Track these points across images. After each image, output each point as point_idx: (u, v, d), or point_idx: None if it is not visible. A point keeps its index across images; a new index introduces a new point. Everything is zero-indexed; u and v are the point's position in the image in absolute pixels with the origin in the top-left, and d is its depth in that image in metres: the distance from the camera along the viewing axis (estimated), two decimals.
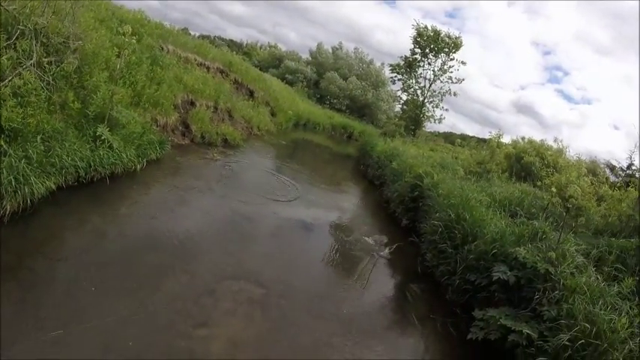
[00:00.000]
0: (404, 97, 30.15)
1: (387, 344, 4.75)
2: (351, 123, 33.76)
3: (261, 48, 52.48)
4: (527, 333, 4.20)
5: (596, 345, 3.75)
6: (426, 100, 28.27)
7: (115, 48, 7.51)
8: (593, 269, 4.83)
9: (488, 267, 5.36)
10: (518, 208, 7.06)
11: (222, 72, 15.79)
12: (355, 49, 46.20)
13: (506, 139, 13.54)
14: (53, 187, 5.12)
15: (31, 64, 5.39)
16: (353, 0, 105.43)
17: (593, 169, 11.60)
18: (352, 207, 10.96)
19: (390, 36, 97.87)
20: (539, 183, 8.45)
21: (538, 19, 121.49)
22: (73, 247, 4.54)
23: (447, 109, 29.50)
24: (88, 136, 6.15)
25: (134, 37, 7.38)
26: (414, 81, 28.63)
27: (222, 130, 11.99)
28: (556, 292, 4.44)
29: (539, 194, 7.93)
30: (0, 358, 2.83)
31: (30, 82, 5.09)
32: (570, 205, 5.38)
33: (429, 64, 27.87)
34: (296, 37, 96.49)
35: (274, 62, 44.16)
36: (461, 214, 6.46)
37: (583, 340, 3.80)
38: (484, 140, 16.45)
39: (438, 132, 33.00)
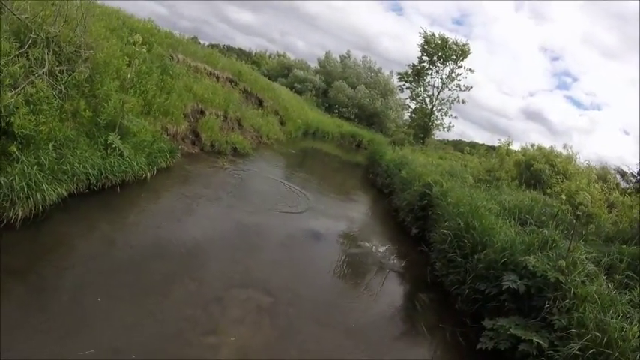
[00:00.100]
0: (412, 105, 30.33)
1: (395, 354, 4.69)
2: (360, 132, 33.74)
3: (269, 57, 52.84)
4: (538, 342, 4.15)
5: (607, 354, 3.70)
6: (434, 108, 28.29)
7: (125, 57, 7.61)
8: (604, 277, 4.77)
9: (498, 276, 5.29)
10: (527, 216, 7.01)
11: (231, 81, 15.89)
12: (364, 57, 46.44)
13: (515, 147, 13.50)
14: (65, 193, 5.20)
15: (43, 73, 5.50)
16: (360, 8, 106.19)
17: (603, 175, 11.46)
18: (361, 216, 10.93)
19: (397, 43, 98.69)
20: (548, 190, 8.39)
21: (544, 23, 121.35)
22: (81, 254, 4.59)
23: (455, 117, 29.66)
24: (100, 144, 6.24)
25: (144, 47, 7.51)
26: (422, 89, 28.75)
27: (231, 139, 12.04)
28: (566, 300, 4.38)
29: (549, 202, 7.86)
30: (0, 358, 2.86)
31: (42, 90, 5.19)
32: (580, 213, 5.31)
33: (437, 71, 27.98)
34: (304, 46, 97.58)
35: (283, 71, 44.31)
36: (470, 223, 6.40)
37: (594, 349, 3.76)
38: (493, 148, 16.38)
39: (447, 140, 33.07)
